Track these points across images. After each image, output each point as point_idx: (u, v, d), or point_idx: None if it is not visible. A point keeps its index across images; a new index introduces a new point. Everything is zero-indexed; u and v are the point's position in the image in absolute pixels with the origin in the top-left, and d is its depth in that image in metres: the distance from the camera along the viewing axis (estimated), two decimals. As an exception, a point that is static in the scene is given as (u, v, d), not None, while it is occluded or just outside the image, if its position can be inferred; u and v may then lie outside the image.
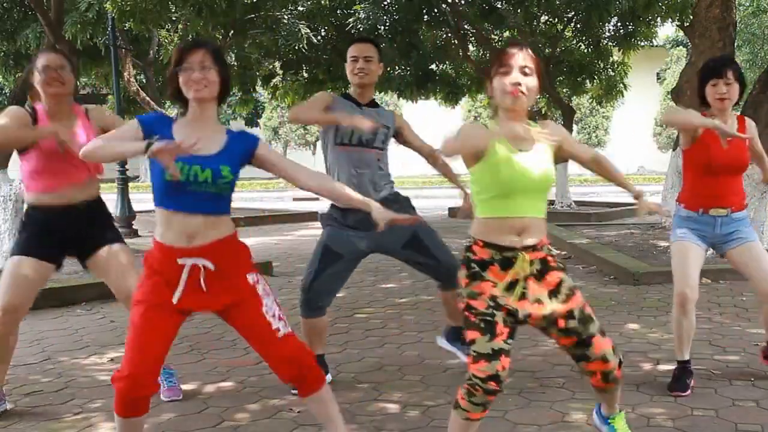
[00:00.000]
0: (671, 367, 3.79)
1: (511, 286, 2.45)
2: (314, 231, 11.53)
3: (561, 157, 2.63)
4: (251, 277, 2.56)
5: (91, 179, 3.43)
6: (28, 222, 3.38)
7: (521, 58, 2.41)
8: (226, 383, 3.71)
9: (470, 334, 2.42)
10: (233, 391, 3.59)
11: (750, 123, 3.55)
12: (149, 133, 2.44)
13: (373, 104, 3.67)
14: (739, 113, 3.55)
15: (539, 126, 2.51)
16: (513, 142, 2.45)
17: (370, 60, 3.56)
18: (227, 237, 2.52)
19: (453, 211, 13.73)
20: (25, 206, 3.47)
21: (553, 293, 2.49)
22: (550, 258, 2.54)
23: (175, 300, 2.44)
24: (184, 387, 3.62)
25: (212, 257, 2.47)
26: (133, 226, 11.11)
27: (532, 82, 2.43)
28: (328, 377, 3.55)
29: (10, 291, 3.23)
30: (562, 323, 2.47)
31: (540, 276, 2.49)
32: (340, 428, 2.62)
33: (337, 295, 3.77)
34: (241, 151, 2.54)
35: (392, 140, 3.73)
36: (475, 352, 2.38)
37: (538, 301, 2.47)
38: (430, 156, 3.65)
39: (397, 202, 3.56)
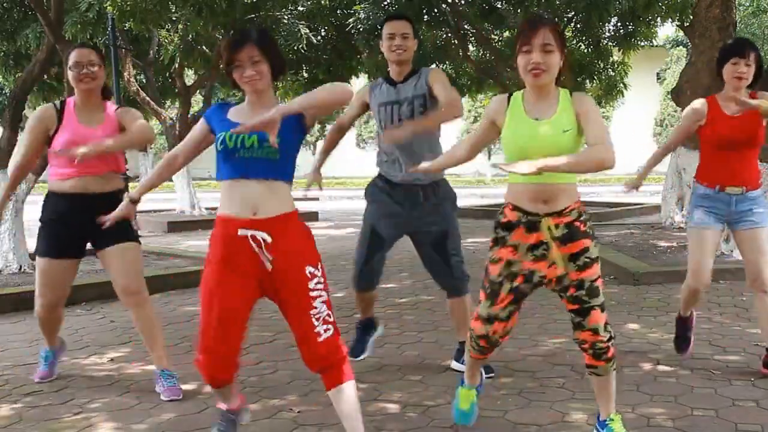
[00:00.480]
0: (671, 367, 3.80)
1: (533, 248, 2.62)
2: (314, 231, 11.48)
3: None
4: (308, 270, 2.57)
5: (111, 173, 3.58)
6: (45, 211, 3.55)
7: (542, 36, 2.49)
8: (226, 383, 3.71)
9: (481, 294, 2.73)
10: (233, 391, 3.58)
11: (762, 94, 3.55)
12: (210, 121, 2.66)
13: (411, 74, 3.64)
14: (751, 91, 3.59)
15: (569, 95, 2.60)
16: (532, 110, 2.59)
17: (407, 36, 3.61)
18: (288, 213, 2.59)
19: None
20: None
21: (572, 258, 2.60)
22: (578, 223, 2.61)
23: (268, 266, 2.52)
24: (184, 387, 3.62)
25: (273, 231, 2.53)
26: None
27: (554, 58, 2.52)
28: (380, 330, 4.07)
29: (47, 291, 3.56)
30: (572, 290, 2.62)
31: (564, 241, 2.60)
32: (358, 428, 2.61)
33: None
34: (292, 118, 2.56)
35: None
36: (478, 311, 2.73)
37: (554, 264, 2.61)
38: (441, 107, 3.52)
39: (436, 193, 3.68)
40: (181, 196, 13.84)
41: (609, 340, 2.66)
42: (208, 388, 3.63)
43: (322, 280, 2.61)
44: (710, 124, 3.57)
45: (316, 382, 3.69)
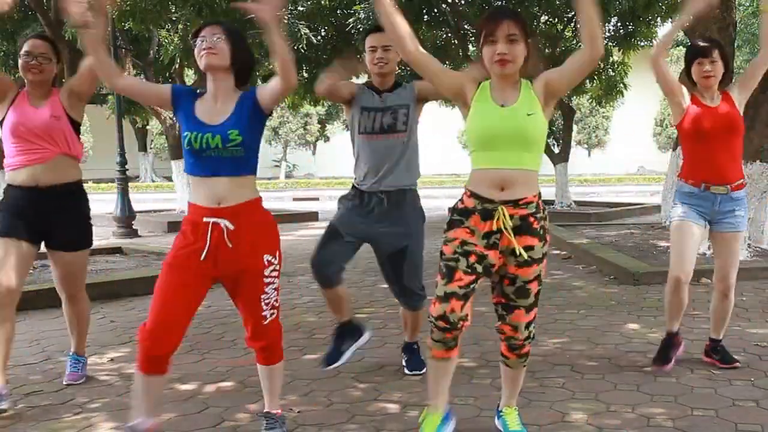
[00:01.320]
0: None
1: (487, 235, 2.62)
2: (314, 231, 11.53)
3: (558, 90, 2.67)
4: (266, 258, 2.71)
5: (63, 158, 3.45)
6: (3, 201, 3.48)
7: (506, 26, 2.53)
8: (226, 383, 3.71)
9: (437, 277, 2.68)
10: (233, 391, 3.59)
11: (731, 89, 3.66)
12: (176, 96, 2.74)
13: (396, 86, 3.65)
14: (724, 90, 3.67)
15: (529, 83, 2.67)
16: (497, 95, 2.64)
17: (389, 48, 3.55)
18: (251, 201, 2.71)
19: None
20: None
21: (518, 253, 2.61)
22: (532, 219, 2.63)
23: (202, 256, 2.63)
24: (184, 387, 3.63)
25: (235, 219, 2.65)
26: (133, 226, 11.11)
27: (518, 48, 2.56)
28: (366, 336, 3.82)
29: (9, 271, 3.32)
30: (505, 282, 2.68)
31: (515, 233, 2.61)
32: (274, 401, 2.93)
33: (347, 261, 3.71)
34: (249, 108, 2.69)
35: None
36: (435, 294, 2.65)
37: (502, 254, 2.64)
38: None
39: (401, 202, 3.59)
40: (181, 196, 13.84)
41: (526, 339, 2.75)
42: (208, 388, 3.64)
43: (277, 267, 2.76)
44: (689, 113, 3.60)
45: (316, 382, 3.70)
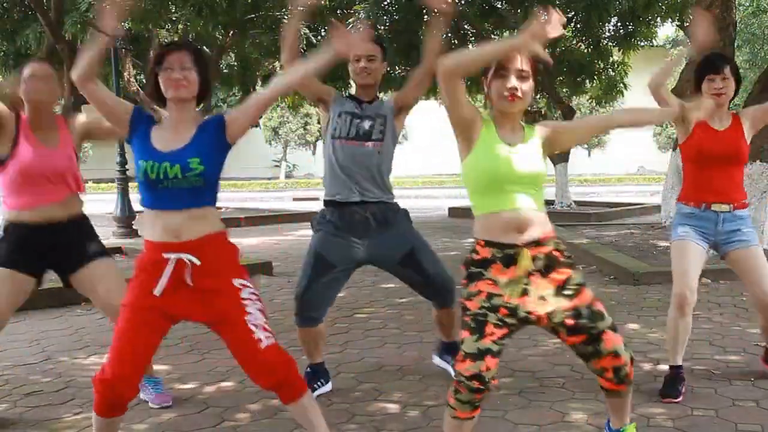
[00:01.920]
0: (671, 367, 3.80)
1: (513, 283, 2.42)
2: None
3: (561, 144, 2.63)
4: (237, 282, 2.52)
5: (72, 196, 3.33)
6: (6, 236, 3.27)
7: (518, 62, 2.42)
8: (226, 383, 3.71)
9: (462, 334, 2.43)
10: (233, 391, 3.59)
11: (743, 115, 3.51)
12: (136, 119, 2.54)
13: (376, 99, 3.54)
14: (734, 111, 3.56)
15: (531, 127, 2.56)
16: (503, 134, 2.50)
17: (374, 59, 3.44)
18: (214, 234, 2.52)
19: (453, 211, 13.74)
20: (2, 221, 3.35)
21: (560, 290, 2.45)
22: (556, 252, 2.48)
23: (157, 292, 2.43)
24: (184, 387, 3.62)
25: (198, 253, 2.45)
26: (133, 226, 11.11)
27: (528, 85, 2.45)
28: (328, 387, 3.53)
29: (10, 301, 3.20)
30: (570, 321, 2.42)
31: (545, 272, 2.45)
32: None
33: (337, 295, 3.76)
34: (212, 134, 2.52)
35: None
36: (463, 351, 2.38)
37: (542, 299, 2.43)
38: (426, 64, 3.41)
39: (391, 217, 3.46)
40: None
41: (632, 361, 2.52)
42: (208, 388, 3.64)
43: (254, 291, 2.55)
44: (695, 135, 3.45)
45: (316, 382, 3.69)
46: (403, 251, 3.47)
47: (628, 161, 31.99)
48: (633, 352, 4.04)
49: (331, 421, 3.13)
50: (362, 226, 3.40)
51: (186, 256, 2.44)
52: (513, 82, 2.41)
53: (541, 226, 2.48)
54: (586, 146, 31.08)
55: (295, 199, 19.73)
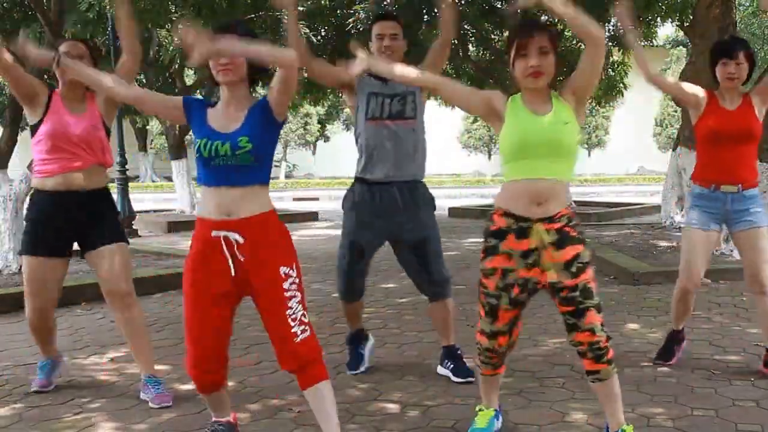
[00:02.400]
0: (671, 367, 3.80)
1: (526, 255, 2.60)
2: (314, 231, 11.53)
3: (582, 91, 2.65)
4: (283, 270, 2.60)
5: (96, 167, 3.47)
6: (31, 210, 3.48)
7: (538, 39, 2.51)
8: (226, 383, 3.71)
9: (480, 309, 2.75)
10: (233, 391, 3.58)
11: (754, 97, 3.58)
12: (189, 107, 2.69)
13: None
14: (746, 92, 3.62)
15: (557, 95, 2.65)
16: (531, 106, 2.61)
17: (396, 37, 3.54)
18: (263, 214, 2.63)
19: (453, 211, 13.74)
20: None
21: (566, 266, 2.59)
22: (568, 228, 2.60)
23: (233, 272, 2.56)
24: (184, 387, 3.62)
25: (246, 232, 2.56)
26: (133, 226, 11.11)
27: (550, 59, 2.55)
28: (370, 343, 3.96)
29: (36, 292, 3.46)
30: (565, 293, 2.60)
31: (557, 246, 2.58)
32: (333, 427, 2.64)
33: (337, 294, 3.80)
34: (260, 114, 2.62)
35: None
36: (480, 326, 2.76)
37: (548, 269, 2.60)
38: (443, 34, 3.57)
39: (413, 193, 3.57)
40: (181, 196, 13.85)
41: (608, 340, 2.65)
42: (208, 388, 3.64)
43: (297, 280, 2.63)
44: (707, 116, 3.55)
45: (316, 382, 3.69)
46: (418, 237, 3.59)
47: (628, 161, 31.99)
48: (633, 352, 4.07)
49: (331, 421, 3.14)
50: (391, 202, 3.55)
51: (232, 235, 2.55)
52: (534, 60, 2.51)
53: (558, 202, 2.59)
54: (586, 146, 31.09)
55: (295, 199, 19.73)
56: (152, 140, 30.94)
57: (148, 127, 25.56)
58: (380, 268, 7.10)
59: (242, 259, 2.57)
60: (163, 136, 21.71)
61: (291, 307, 2.58)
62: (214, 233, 2.56)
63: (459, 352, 3.73)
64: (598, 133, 30.89)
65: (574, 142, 2.60)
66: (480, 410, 2.97)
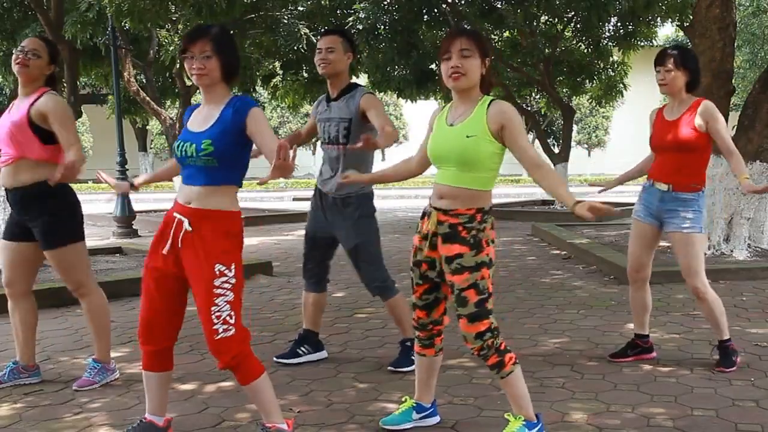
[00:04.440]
0: (671, 367, 3.80)
1: (427, 237, 2.78)
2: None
3: (504, 140, 2.69)
4: (218, 268, 2.63)
5: (20, 162, 3.50)
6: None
7: (459, 42, 2.64)
8: (226, 383, 3.71)
9: None
10: (233, 391, 3.59)
11: (705, 106, 3.64)
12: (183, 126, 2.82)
13: (346, 92, 3.77)
14: (702, 106, 3.68)
15: (488, 103, 2.68)
16: (452, 117, 2.76)
17: (332, 50, 3.70)
18: (218, 211, 2.67)
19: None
20: None
21: (447, 260, 2.72)
22: (461, 228, 2.69)
23: (164, 251, 2.69)
24: (184, 387, 3.62)
25: (195, 221, 2.65)
26: (133, 226, 11.11)
27: (471, 62, 2.65)
28: (320, 354, 4.10)
29: (4, 269, 3.67)
30: (448, 290, 2.80)
31: (445, 239, 2.72)
32: (271, 413, 2.77)
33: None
34: (231, 122, 2.66)
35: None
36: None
37: (442, 260, 2.75)
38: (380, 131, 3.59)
39: (347, 207, 3.82)
40: (181, 196, 13.81)
41: (482, 349, 2.72)
42: (208, 388, 3.64)
43: (232, 281, 2.65)
44: (652, 129, 3.82)
45: (316, 382, 3.70)
46: (351, 245, 3.84)
47: (628, 161, 31.97)
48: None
49: (331, 421, 3.14)
50: (330, 210, 3.93)
51: (185, 220, 2.65)
52: (455, 61, 2.64)
53: (459, 201, 2.69)
54: (586, 146, 31.09)
55: (295, 199, 19.70)
56: (152, 140, 30.93)
57: (148, 127, 25.52)
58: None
59: (179, 246, 2.66)
60: (163, 136, 21.71)
61: (217, 305, 2.62)
62: (174, 214, 2.72)
63: (408, 344, 3.86)
64: (598, 133, 30.88)
65: (479, 156, 2.65)
66: (405, 399, 3.10)
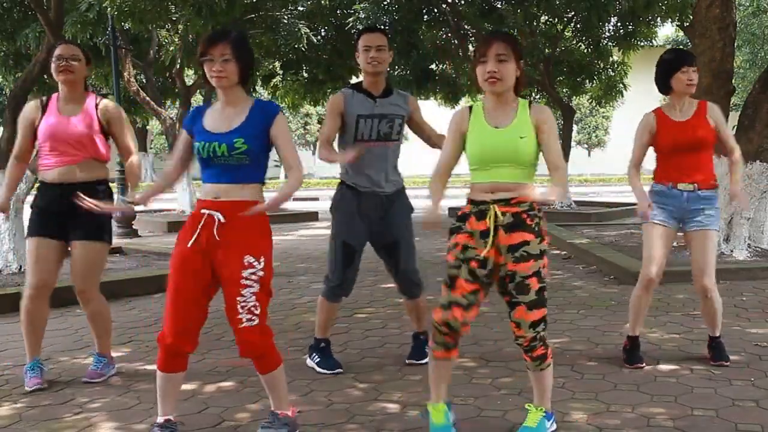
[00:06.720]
0: (671, 367, 3.80)
1: (483, 235, 2.74)
2: (314, 231, 11.53)
3: (539, 137, 2.80)
4: (247, 259, 2.73)
5: (88, 161, 3.68)
6: (35, 200, 3.71)
7: (496, 47, 2.69)
8: (226, 383, 3.72)
9: (442, 288, 2.82)
10: (233, 391, 3.59)
11: (712, 107, 3.75)
12: (191, 130, 2.87)
13: (387, 92, 3.76)
14: (705, 108, 3.74)
15: (527, 105, 2.80)
16: (491, 119, 2.79)
17: (382, 49, 3.67)
18: (250, 202, 2.75)
19: (453, 211, 13.74)
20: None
21: (511, 249, 2.72)
22: (525, 216, 2.73)
23: (189, 244, 2.74)
24: (184, 387, 3.62)
25: (227, 213, 2.73)
26: (133, 226, 11.11)
27: (508, 66, 2.71)
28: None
29: (34, 270, 3.64)
30: (506, 280, 2.76)
31: (508, 229, 2.71)
32: (282, 402, 2.91)
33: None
34: (261, 122, 2.79)
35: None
36: (440, 303, 2.80)
37: (500, 251, 2.74)
38: (436, 145, 3.68)
39: (400, 199, 3.83)
40: (181, 196, 13.87)
41: (533, 340, 2.76)
42: (208, 388, 3.64)
43: (261, 273, 2.77)
44: (660, 133, 3.74)
45: (316, 382, 3.70)
46: (391, 239, 3.80)
47: (628, 161, 32.01)
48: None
49: (331, 421, 3.14)
50: (376, 209, 3.78)
51: (216, 214, 2.73)
52: (491, 66, 2.69)
53: (517, 192, 2.72)
54: (586, 146, 31.10)
55: (295, 199, 19.73)
56: (152, 140, 30.97)
57: (148, 127, 25.54)
58: (380, 269, 7.09)
59: (217, 239, 2.72)
60: (163, 136, 21.70)
61: (243, 295, 2.72)
62: (202, 210, 2.77)
63: (423, 338, 3.95)
64: (598, 133, 30.90)
65: (531, 155, 2.76)
66: (432, 407, 2.90)
